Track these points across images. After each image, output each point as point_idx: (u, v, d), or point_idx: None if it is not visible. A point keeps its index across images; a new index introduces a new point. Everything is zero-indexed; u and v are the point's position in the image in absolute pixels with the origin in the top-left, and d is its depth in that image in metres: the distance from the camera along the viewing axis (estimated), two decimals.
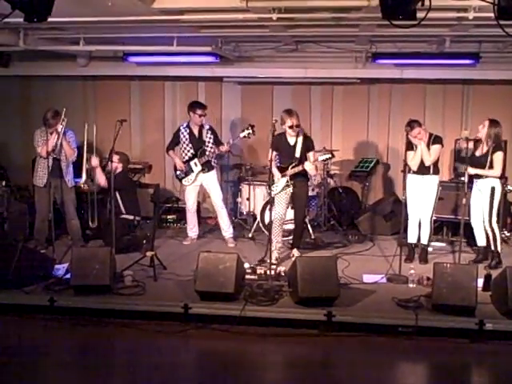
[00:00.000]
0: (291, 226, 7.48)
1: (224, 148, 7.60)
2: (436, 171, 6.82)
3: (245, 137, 7.44)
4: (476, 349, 5.04)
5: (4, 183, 7.78)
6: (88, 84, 9.78)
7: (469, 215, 6.78)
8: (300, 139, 6.88)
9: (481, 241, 6.85)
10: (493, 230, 6.65)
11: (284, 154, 6.94)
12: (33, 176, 7.38)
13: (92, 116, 9.37)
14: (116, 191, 7.04)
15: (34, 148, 7.24)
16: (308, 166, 6.75)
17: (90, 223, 7.38)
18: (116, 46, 8.12)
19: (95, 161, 7.14)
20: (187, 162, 7.69)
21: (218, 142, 7.70)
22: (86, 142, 7.05)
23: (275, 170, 6.82)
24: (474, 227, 6.84)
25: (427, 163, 6.72)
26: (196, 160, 7.63)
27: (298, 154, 6.84)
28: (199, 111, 7.60)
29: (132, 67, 9.03)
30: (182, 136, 7.71)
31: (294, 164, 6.80)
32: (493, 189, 6.55)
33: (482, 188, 6.62)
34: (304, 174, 6.92)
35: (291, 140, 6.89)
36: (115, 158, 7.13)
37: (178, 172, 7.80)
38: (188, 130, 7.68)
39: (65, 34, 7.52)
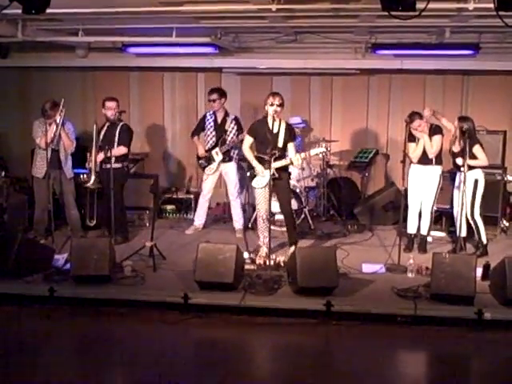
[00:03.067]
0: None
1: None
2: (439, 162, 6.82)
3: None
4: (474, 338, 5.07)
5: (3, 174, 7.76)
6: (87, 75, 9.75)
7: (451, 205, 6.78)
8: (283, 126, 6.43)
9: (462, 231, 6.69)
10: (475, 223, 6.69)
11: (264, 142, 6.30)
12: (32, 167, 7.38)
13: (91, 107, 9.37)
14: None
15: (32, 139, 7.22)
16: (296, 162, 6.33)
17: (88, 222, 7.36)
18: (115, 37, 8.07)
19: (100, 158, 7.12)
20: (209, 151, 7.72)
21: (240, 133, 7.58)
22: (94, 143, 7.01)
23: (256, 163, 6.42)
24: (456, 217, 6.77)
25: (430, 155, 6.72)
26: (217, 149, 7.66)
27: (280, 144, 6.36)
28: (208, 96, 7.71)
29: (131, 58, 9.00)
30: (207, 123, 7.75)
31: (277, 155, 6.23)
32: (476, 181, 6.58)
33: (466, 180, 6.52)
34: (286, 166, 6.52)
35: (274, 126, 6.39)
36: (113, 103, 7.11)
37: (200, 161, 7.82)
38: (213, 117, 7.73)
39: (63, 25, 7.48)
